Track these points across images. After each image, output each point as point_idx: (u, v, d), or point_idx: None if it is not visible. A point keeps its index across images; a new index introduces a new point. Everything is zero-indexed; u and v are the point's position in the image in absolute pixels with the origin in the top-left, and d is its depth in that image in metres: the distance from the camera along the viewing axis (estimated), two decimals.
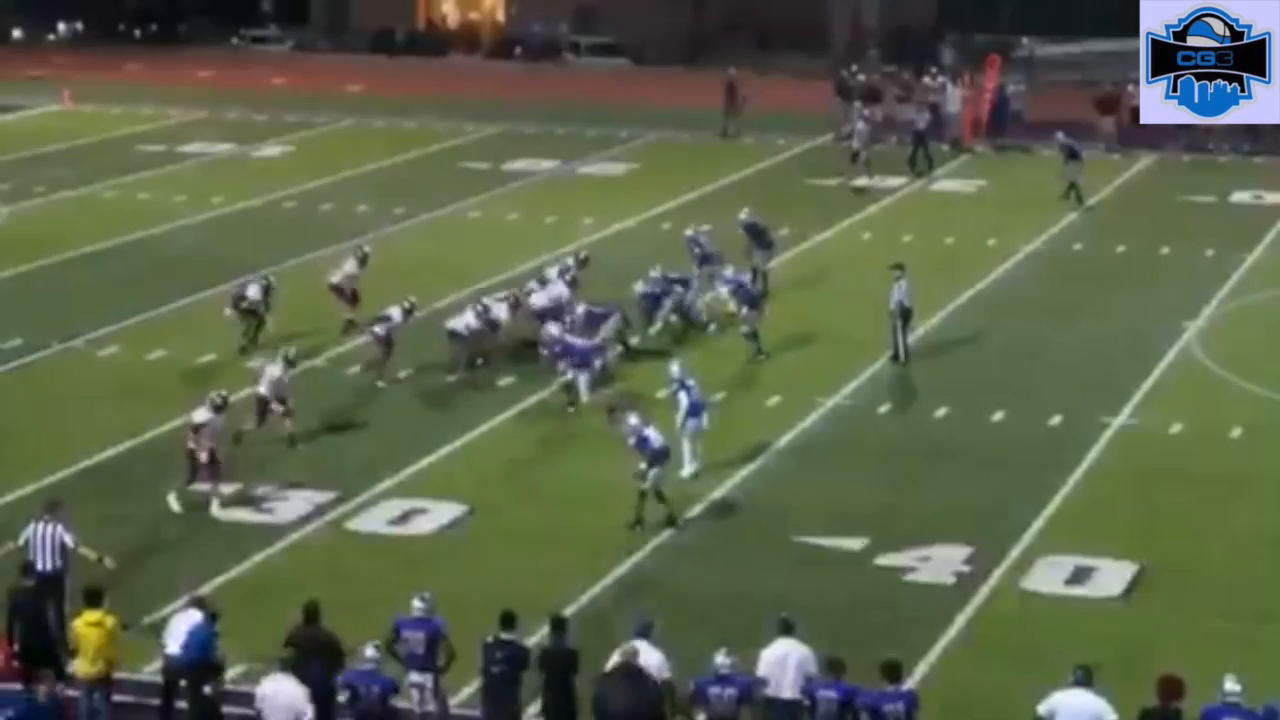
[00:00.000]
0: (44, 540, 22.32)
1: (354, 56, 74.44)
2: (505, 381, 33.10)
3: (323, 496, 27.86)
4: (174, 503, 27.10)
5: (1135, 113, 54.83)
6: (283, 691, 19.41)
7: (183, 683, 20.57)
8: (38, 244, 39.30)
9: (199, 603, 21.02)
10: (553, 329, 32.42)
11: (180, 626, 20.63)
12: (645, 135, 57.11)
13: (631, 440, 26.87)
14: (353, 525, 27.13)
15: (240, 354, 33.80)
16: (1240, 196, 48.75)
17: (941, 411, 31.79)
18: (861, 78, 58.06)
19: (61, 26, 79.17)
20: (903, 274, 34.24)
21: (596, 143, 55.98)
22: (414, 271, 37.58)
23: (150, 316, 36.62)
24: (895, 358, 34.07)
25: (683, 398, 28.59)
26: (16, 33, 78.14)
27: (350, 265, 36.42)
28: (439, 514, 27.39)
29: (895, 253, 41.66)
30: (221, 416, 27.64)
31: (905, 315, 34.12)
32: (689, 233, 38.48)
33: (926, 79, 58.67)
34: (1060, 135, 48.39)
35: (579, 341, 32.16)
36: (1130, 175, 51.42)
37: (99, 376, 33.44)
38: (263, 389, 29.71)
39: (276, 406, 29.66)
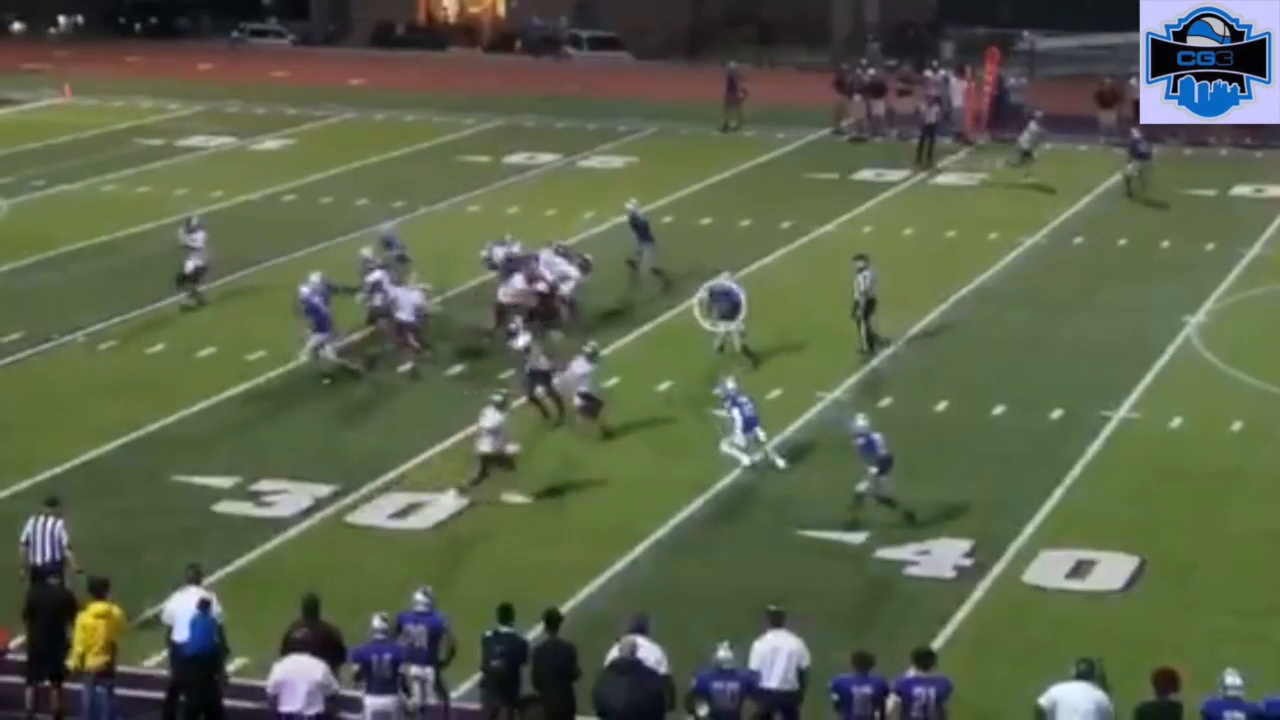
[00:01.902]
0: (43, 535, 22.38)
1: (354, 50, 74.45)
2: (506, 375, 33.05)
3: (324, 490, 27.84)
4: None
5: (1137, 106, 54.85)
6: (302, 669, 19.42)
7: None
8: (37, 238, 39.28)
9: (197, 577, 21.00)
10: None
11: (184, 610, 20.60)
12: (645, 129, 57.10)
13: (859, 442, 26.73)
14: (354, 519, 27.12)
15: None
16: (1241, 190, 48.74)
17: (942, 405, 31.77)
18: (872, 71, 57.99)
19: (62, 20, 79.21)
20: (866, 264, 34.28)
21: (597, 136, 55.95)
22: (415, 265, 37.42)
23: (150, 310, 36.61)
24: (863, 349, 34.05)
25: (736, 414, 28.65)
26: (17, 26, 78.16)
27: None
28: (438, 508, 27.36)
29: (896, 246, 41.75)
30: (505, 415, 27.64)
31: (870, 305, 34.12)
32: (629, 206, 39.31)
33: (927, 72, 58.64)
34: (1134, 133, 48.21)
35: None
36: (1130, 169, 51.27)
37: (98, 371, 33.43)
38: (581, 387, 30.06)
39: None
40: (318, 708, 19.47)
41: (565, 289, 35.07)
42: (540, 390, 30.74)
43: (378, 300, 33.82)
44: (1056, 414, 31.59)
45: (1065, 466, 29.22)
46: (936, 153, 51.82)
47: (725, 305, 33.89)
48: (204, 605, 20.43)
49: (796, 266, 40.83)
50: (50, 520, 22.47)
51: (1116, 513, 27.59)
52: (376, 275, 34.07)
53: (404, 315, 33.17)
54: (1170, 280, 39.92)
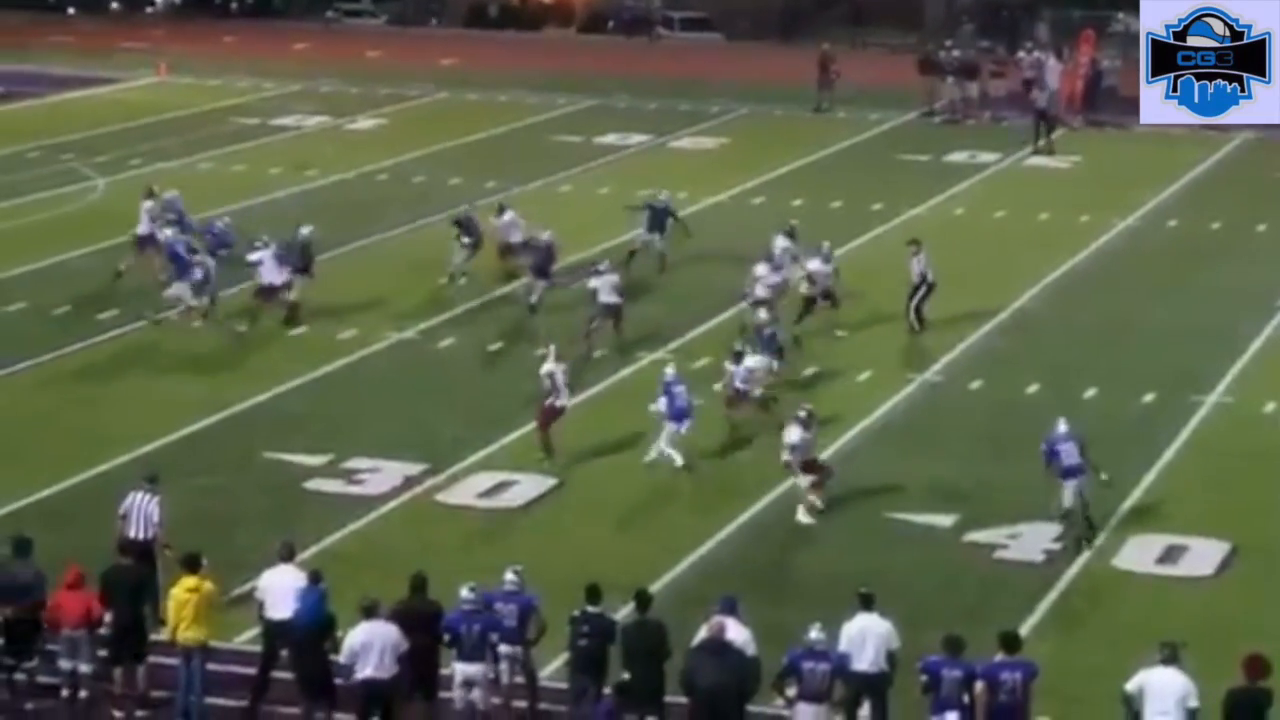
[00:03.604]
0: (139, 511, 22.61)
1: (447, 30, 74.66)
2: (597, 354, 33.17)
3: (414, 469, 28.02)
4: (803, 516, 26.44)
5: None
6: (378, 632, 19.66)
7: (284, 652, 20.78)
8: (133, 216, 39.52)
9: (290, 554, 21.21)
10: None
11: (282, 586, 20.81)
12: (737, 110, 57.03)
13: (1043, 447, 25.85)
14: (443, 497, 27.28)
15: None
16: None
17: (1033, 388, 31.65)
18: (956, 53, 57.74)
19: None
20: (919, 248, 34.20)
21: (688, 117, 55.93)
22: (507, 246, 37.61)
23: (245, 289, 36.84)
24: (913, 329, 33.97)
25: (663, 403, 28.10)
26: (114, 5, 78.79)
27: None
28: (528, 487, 27.50)
29: (988, 228, 41.59)
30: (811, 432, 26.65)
31: (929, 288, 33.98)
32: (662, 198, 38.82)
33: (1021, 54, 58.32)
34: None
35: None
36: (1226, 151, 50.96)
37: (191, 349, 33.71)
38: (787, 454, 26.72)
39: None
40: (394, 670, 19.71)
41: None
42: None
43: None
44: (1148, 398, 31.43)
45: (1157, 451, 29.08)
46: (1042, 133, 51.32)
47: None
48: (315, 578, 20.67)
49: (888, 248, 40.70)
50: (147, 496, 22.72)
51: (1208, 498, 27.43)
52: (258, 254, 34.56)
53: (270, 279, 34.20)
54: (1265, 264, 39.60)
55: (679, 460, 27.89)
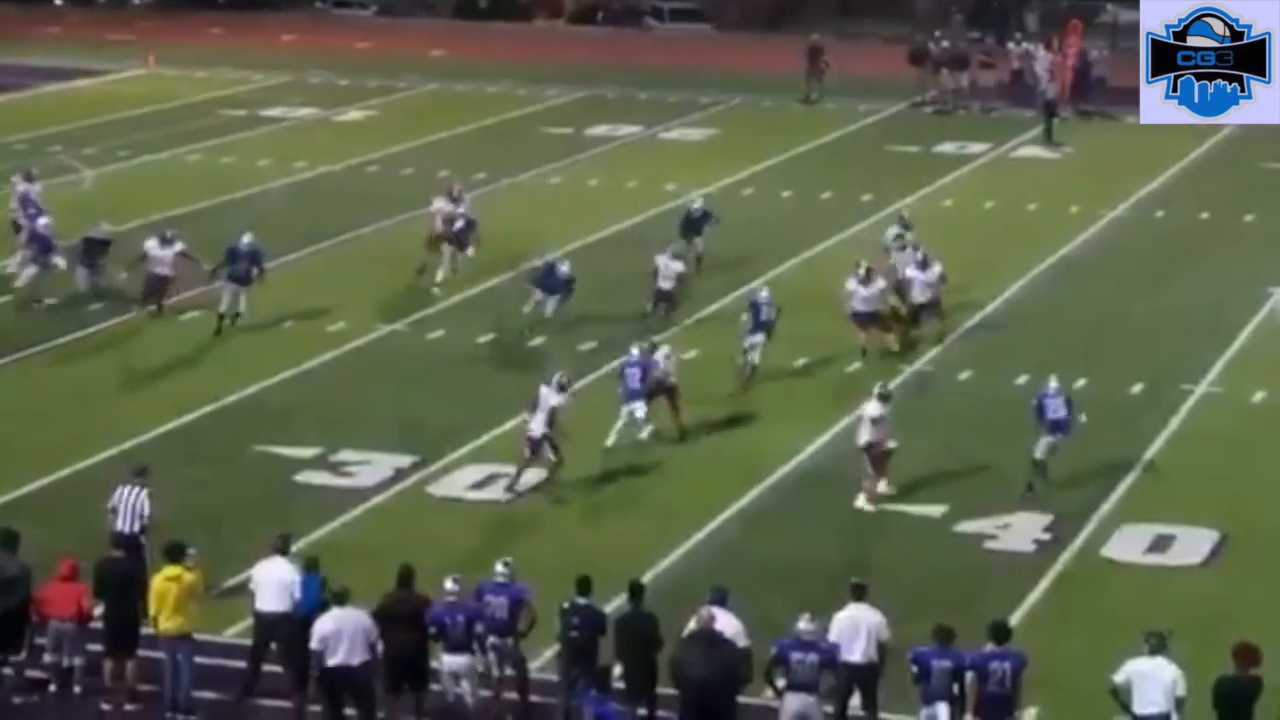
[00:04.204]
0: (128, 504, 22.59)
1: (437, 21, 74.60)
2: (586, 346, 33.18)
3: (404, 461, 28.01)
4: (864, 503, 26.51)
5: None
6: (347, 619, 19.75)
7: (273, 645, 20.80)
8: (121, 208, 39.52)
9: (285, 546, 21.22)
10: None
11: (273, 579, 20.83)
12: (727, 101, 57.04)
13: (1034, 401, 27.18)
14: (433, 490, 27.28)
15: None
16: None
17: (1023, 379, 31.66)
18: (945, 44, 57.76)
19: None
20: (906, 226, 34.35)
21: (678, 108, 55.93)
22: (495, 237, 37.62)
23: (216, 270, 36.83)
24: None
25: (622, 381, 28.31)
26: None
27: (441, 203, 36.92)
28: (520, 480, 27.42)
29: (977, 218, 41.61)
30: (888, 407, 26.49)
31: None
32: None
33: (1010, 45, 58.35)
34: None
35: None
36: (1214, 142, 50.99)
37: (181, 341, 33.69)
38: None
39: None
40: (364, 656, 19.73)
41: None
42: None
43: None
44: (1137, 388, 31.47)
45: (1146, 440, 29.12)
46: (1014, 124, 51.30)
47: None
48: (312, 566, 20.82)
49: (876, 239, 40.67)
50: (136, 490, 22.69)
51: (1197, 487, 27.48)
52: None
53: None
54: (1253, 254, 39.66)
55: (610, 439, 28.00)
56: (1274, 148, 49.85)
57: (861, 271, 32.31)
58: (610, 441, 27.98)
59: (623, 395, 28.22)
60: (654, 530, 25.70)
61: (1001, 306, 35.81)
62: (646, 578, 22.76)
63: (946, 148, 50.60)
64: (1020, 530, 25.81)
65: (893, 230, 35.81)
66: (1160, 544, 25.49)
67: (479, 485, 27.35)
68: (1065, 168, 48.87)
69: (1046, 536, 25.67)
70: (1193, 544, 25.44)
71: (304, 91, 58.04)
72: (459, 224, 36.46)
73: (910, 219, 36.49)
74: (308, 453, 28.22)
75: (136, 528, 22.44)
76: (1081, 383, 31.47)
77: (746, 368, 31.26)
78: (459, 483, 27.45)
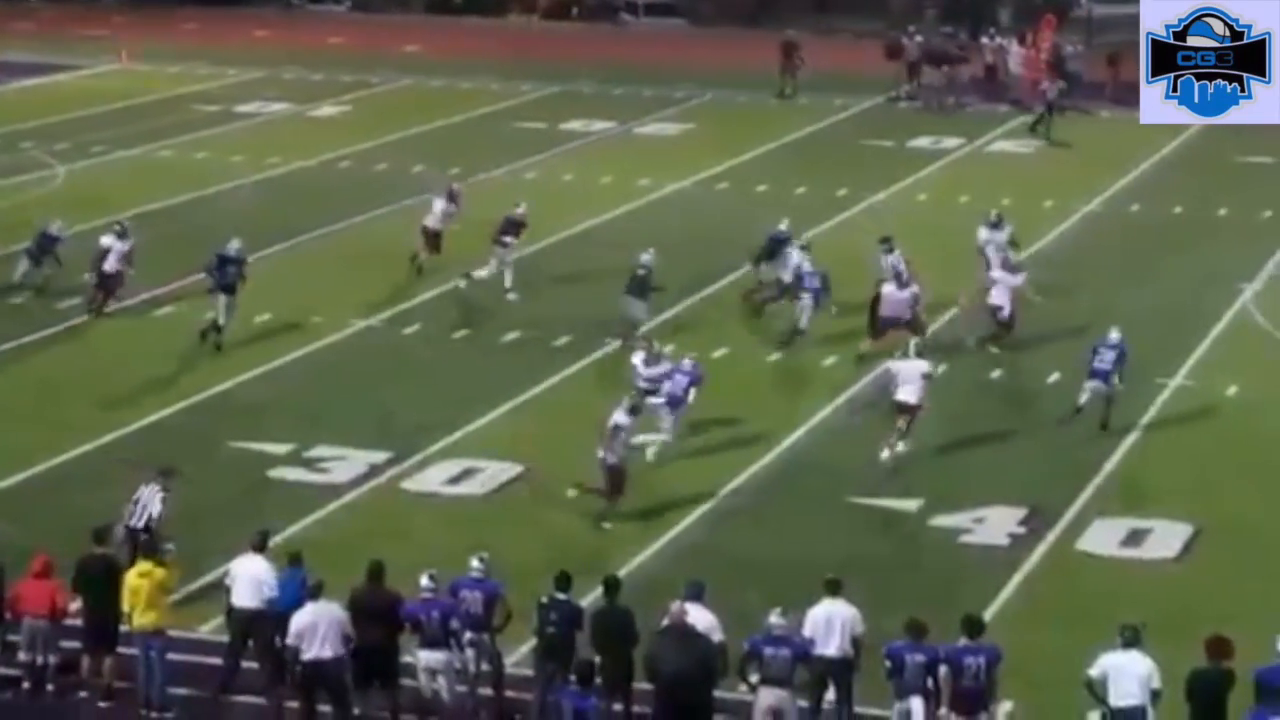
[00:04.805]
0: (142, 502, 22.65)
1: (411, 16, 74.50)
2: (561, 342, 33.17)
3: (378, 456, 27.98)
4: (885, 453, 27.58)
5: None
6: (320, 613, 19.76)
7: (250, 641, 20.77)
8: (94, 203, 39.44)
9: (263, 543, 21.19)
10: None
11: (248, 575, 20.80)
12: (702, 96, 57.02)
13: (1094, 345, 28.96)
14: (408, 485, 27.25)
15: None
16: None
17: (997, 373, 31.72)
18: (919, 39, 57.82)
19: None
20: (891, 247, 34.01)
21: (653, 103, 55.90)
22: (470, 232, 37.58)
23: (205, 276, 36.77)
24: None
25: (667, 385, 28.20)
26: None
27: (440, 205, 36.60)
28: (494, 474, 27.47)
29: (951, 213, 41.63)
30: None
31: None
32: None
33: (984, 40, 58.42)
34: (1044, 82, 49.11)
35: None
36: (1188, 135, 51.06)
37: (156, 336, 33.62)
38: None
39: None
40: (338, 650, 19.72)
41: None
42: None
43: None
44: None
45: (1120, 434, 29.17)
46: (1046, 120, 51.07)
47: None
48: (295, 560, 20.89)
49: (851, 234, 40.74)
50: (153, 489, 22.74)
51: (1171, 481, 27.54)
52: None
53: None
54: (1227, 248, 39.75)
55: (650, 453, 27.77)
56: (1247, 142, 49.95)
57: (903, 267, 32.13)
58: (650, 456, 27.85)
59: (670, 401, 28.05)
60: (631, 524, 25.68)
61: (976, 301, 35.79)
62: (623, 572, 22.77)
63: (921, 142, 50.65)
64: (995, 524, 25.85)
65: (982, 234, 35.51)
66: (1134, 538, 25.55)
67: (454, 480, 27.33)
68: (1039, 162, 48.93)
69: (1021, 530, 25.72)
70: (1167, 538, 25.50)
71: (277, 87, 57.92)
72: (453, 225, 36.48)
73: (1001, 219, 35.97)
74: (282, 449, 28.17)
75: (142, 524, 22.44)
76: (1055, 377, 31.54)
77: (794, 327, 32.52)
78: (434, 478, 27.43)
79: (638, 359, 28.75)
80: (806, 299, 32.88)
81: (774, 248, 34.97)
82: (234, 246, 33.37)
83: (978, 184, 45.74)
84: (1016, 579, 24.29)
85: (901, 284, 32.38)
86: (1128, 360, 29.05)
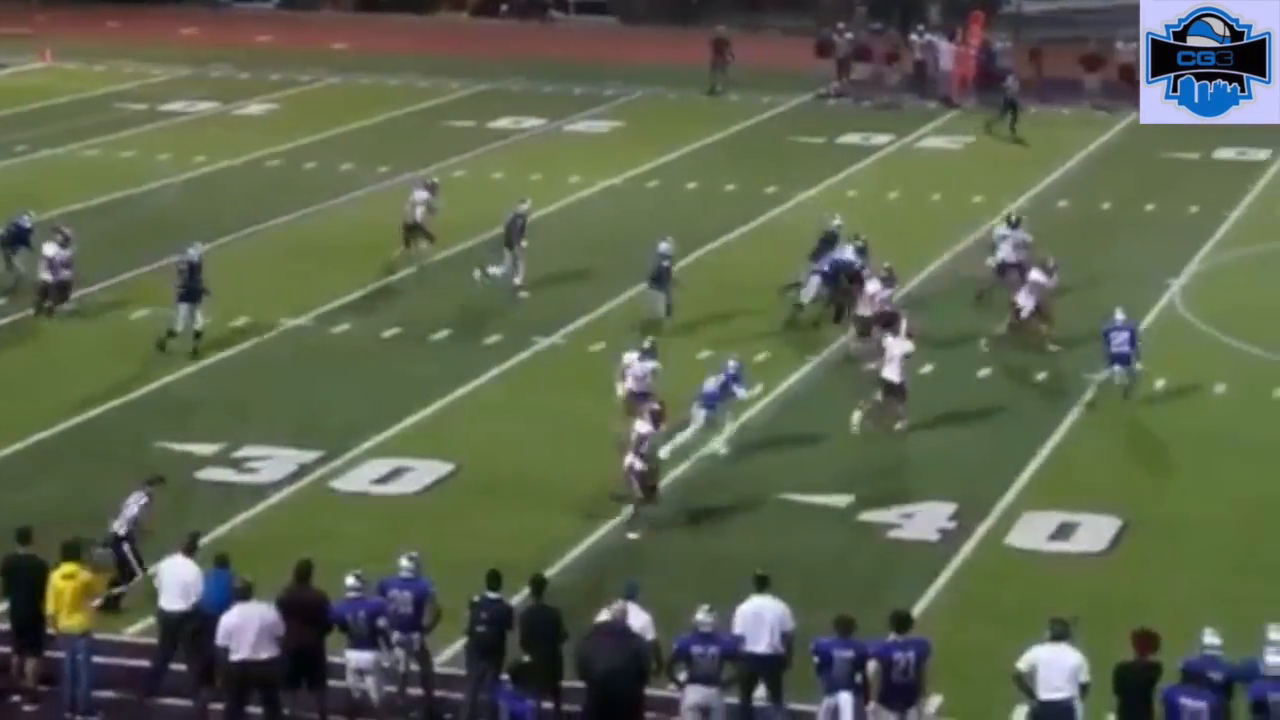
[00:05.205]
0: (125, 505, 22.56)
1: (339, 14, 74.20)
2: (491, 340, 33.10)
3: (307, 456, 27.84)
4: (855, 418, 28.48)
5: (1123, 70, 54.85)
6: (250, 614, 19.65)
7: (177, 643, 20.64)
8: (20, 203, 39.01)
9: (192, 545, 21.06)
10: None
11: (175, 577, 20.68)
12: (631, 93, 56.98)
13: (1103, 328, 29.96)
14: (337, 484, 27.13)
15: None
16: (1224, 153, 48.68)
17: (928, 368, 31.78)
18: (850, 35, 57.93)
19: None
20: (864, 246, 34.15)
21: (583, 101, 55.83)
22: (400, 231, 37.42)
23: (134, 275, 36.54)
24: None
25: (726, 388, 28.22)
26: None
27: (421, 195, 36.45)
28: (423, 473, 27.39)
29: (881, 210, 41.72)
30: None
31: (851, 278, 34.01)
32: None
33: (913, 36, 58.56)
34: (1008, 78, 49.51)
35: None
36: (1115, 132, 51.39)
37: (84, 335, 33.38)
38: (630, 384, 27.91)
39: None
40: (269, 651, 19.59)
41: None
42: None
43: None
44: (1041, 376, 31.65)
45: (1049, 429, 29.30)
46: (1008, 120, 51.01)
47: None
48: (222, 562, 20.77)
49: (781, 231, 40.80)
50: (138, 495, 22.62)
51: (1100, 475, 27.68)
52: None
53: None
54: (1153, 242, 39.96)
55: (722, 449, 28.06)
56: (1175, 137, 50.19)
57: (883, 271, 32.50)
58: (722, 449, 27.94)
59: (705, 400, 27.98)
60: (561, 523, 25.63)
61: (905, 297, 35.85)
62: (553, 571, 22.74)
63: (851, 139, 50.73)
64: (925, 519, 25.91)
65: (1000, 230, 35.57)
66: (1063, 531, 25.65)
67: (384, 479, 27.22)
68: (969, 158, 49.08)
69: (951, 525, 25.79)
70: (1095, 532, 25.62)
71: (204, 85, 57.55)
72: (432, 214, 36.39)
73: (1018, 217, 36.02)
74: (210, 449, 28.01)
75: (124, 531, 22.33)
76: (985, 372, 31.65)
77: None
78: (363, 477, 27.32)
79: (630, 356, 28.53)
80: (813, 280, 33.59)
81: (828, 243, 34.74)
82: (196, 251, 32.75)
83: (908, 180, 45.86)
84: (946, 574, 24.35)
85: (886, 282, 32.52)
86: (1140, 338, 30.10)
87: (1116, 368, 29.77)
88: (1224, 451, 28.76)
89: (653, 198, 43.66)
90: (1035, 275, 33.17)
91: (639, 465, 25.28)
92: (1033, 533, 25.61)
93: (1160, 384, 31.33)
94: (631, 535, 25.29)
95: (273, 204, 42.19)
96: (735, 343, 32.58)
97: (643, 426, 25.45)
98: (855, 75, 56.55)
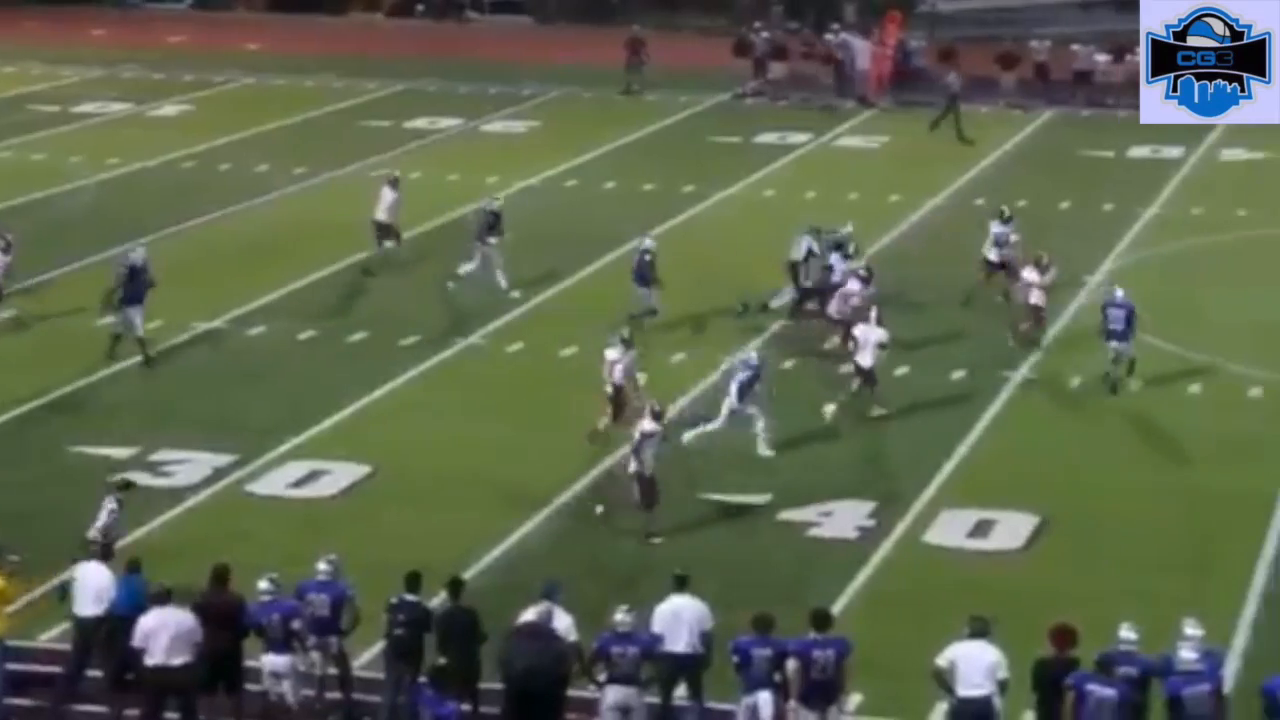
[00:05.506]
0: (97, 512, 22.26)
1: (252, 14, 73.80)
2: (408, 341, 32.97)
3: (223, 459, 27.65)
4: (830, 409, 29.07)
5: (1038, 68, 55.24)
6: (166, 619, 19.48)
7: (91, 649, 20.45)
8: None
9: (106, 552, 20.87)
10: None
11: (88, 583, 20.49)
12: (548, 93, 56.91)
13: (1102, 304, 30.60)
14: (253, 488, 26.95)
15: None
16: (1139, 151, 49.02)
17: (847, 366, 31.80)
18: (766, 34, 58.02)
19: None
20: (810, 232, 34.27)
21: (499, 101, 55.71)
22: (316, 232, 37.34)
23: (47, 278, 36.22)
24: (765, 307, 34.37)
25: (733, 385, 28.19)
26: None
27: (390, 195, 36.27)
28: (341, 476, 27.24)
29: (798, 209, 41.79)
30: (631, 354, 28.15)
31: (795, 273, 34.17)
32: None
33: (828, 35, 58.70)
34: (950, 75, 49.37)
35: None
36: (1031, 130, 51.68)
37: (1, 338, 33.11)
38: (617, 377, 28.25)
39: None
40: (185, 657, 19.43)
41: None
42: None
43: None
44: (958, 374, 31.77)
45: (967, 427, 29.41)
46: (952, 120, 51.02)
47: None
48: (134, 566, 20.61)
49: (699, 230, 40.82)
50: (107, 502, 22.34)
51: (1017, 472, 27.79)
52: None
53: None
54: (1069, 240, 40.12)
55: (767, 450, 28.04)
56: (1090, 135, 50.72)
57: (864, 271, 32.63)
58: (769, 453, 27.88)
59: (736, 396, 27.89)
60: (480, 524, 25.54)
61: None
62: (472, 572, 22.66)
63: (768, 138, 50.81)
64: (843, 517, 25.96)
65: (995, 228, 35.52)
66: (981, 529, 25.75)
67: (299, 483, 27.07)
68: (886, 158, 49.23)
69: (870, 523, 25.85)
70: (1013, 528, 25.72)
71: (117, 87, 57.12)
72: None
73: (1010, 213, 35.96)
74: (125, 452, 27.78)
75: (93, 535, 22.02)
76: (903, 370, 31.72)
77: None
78: (280, 480, 27.16)
79: (612, 353, 28.44)
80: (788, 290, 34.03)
81: (839, 247, 34.56)
82: (141, 255, 32.33)
83: (825, 179, 45.95)
84: (865, 572, 24.40)
85: (865, 281, 32.48)
86: (1137, 317, 30.50)
87: (1112, 344, 30.48)
88: (1141, 448, 28.95)
89: (571, 197, 43.60)
90: (1028, 274, 33.23)
91: (640, 469, 25.17)
92: (951, 530, 25.69)
93: (1076, 382, 31.49)
94: (655, 540, 25.07)
95: (188, 205, 41.90)
96: (654, 342, 32.59)
97: (647, 425, 25.31)
98: (772, 74, 56.65)
